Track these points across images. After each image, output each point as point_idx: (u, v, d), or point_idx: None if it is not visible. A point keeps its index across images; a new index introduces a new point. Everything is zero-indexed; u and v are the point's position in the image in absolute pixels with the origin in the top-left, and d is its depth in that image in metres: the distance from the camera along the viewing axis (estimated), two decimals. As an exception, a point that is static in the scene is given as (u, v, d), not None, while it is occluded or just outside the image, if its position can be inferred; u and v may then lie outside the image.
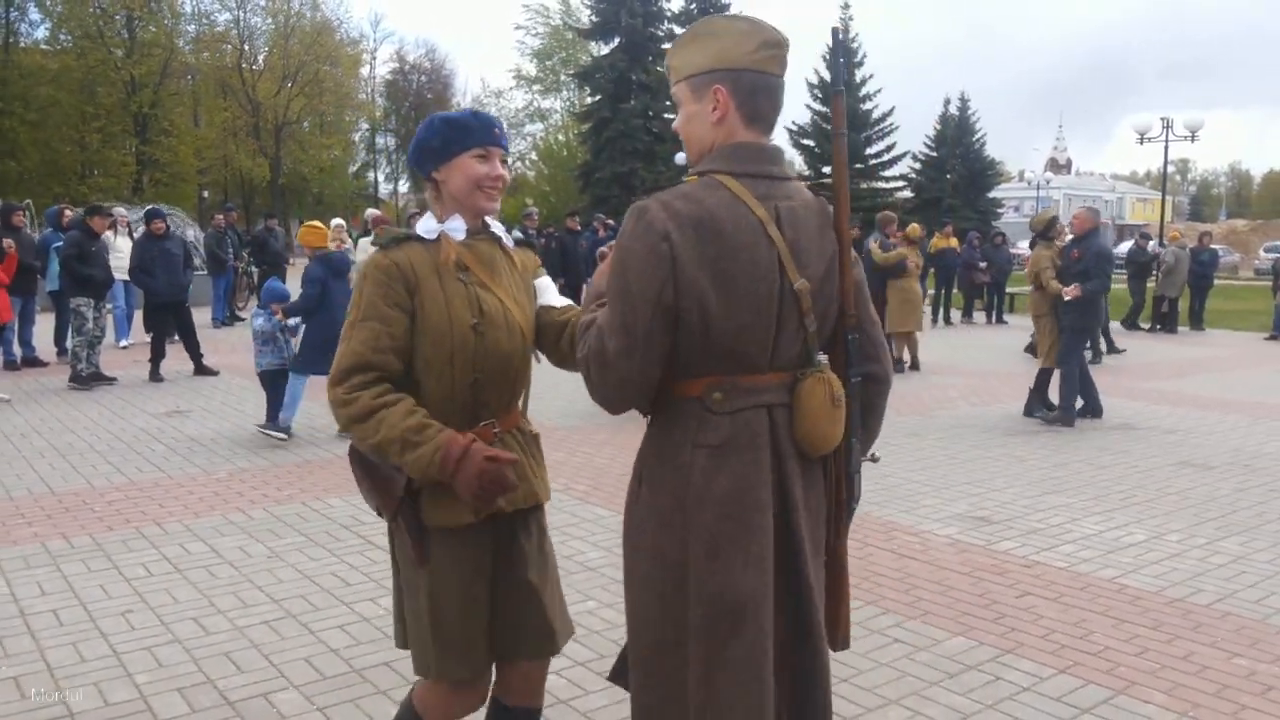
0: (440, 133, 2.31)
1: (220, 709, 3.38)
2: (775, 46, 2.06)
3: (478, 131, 2.30)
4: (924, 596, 4.47)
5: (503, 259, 2.40)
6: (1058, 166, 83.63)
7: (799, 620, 2.07)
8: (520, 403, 2.44)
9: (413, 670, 2.39)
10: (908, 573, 4.78)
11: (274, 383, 7.76)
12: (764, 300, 1.96)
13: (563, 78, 54.58)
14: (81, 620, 4.15)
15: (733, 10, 42.77)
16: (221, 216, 17.16)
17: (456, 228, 2.32)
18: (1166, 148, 24.17)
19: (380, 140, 57.68)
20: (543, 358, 2.49)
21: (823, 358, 2.08)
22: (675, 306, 1.92)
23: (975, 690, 3.55)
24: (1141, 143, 23.55)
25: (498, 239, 2.41)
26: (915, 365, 11.99)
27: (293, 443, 7.56)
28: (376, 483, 2.28)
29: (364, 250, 12.34)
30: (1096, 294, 8.58)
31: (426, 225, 2.32)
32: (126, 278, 12.03)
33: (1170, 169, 30.01)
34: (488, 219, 2.39)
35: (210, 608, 4.29)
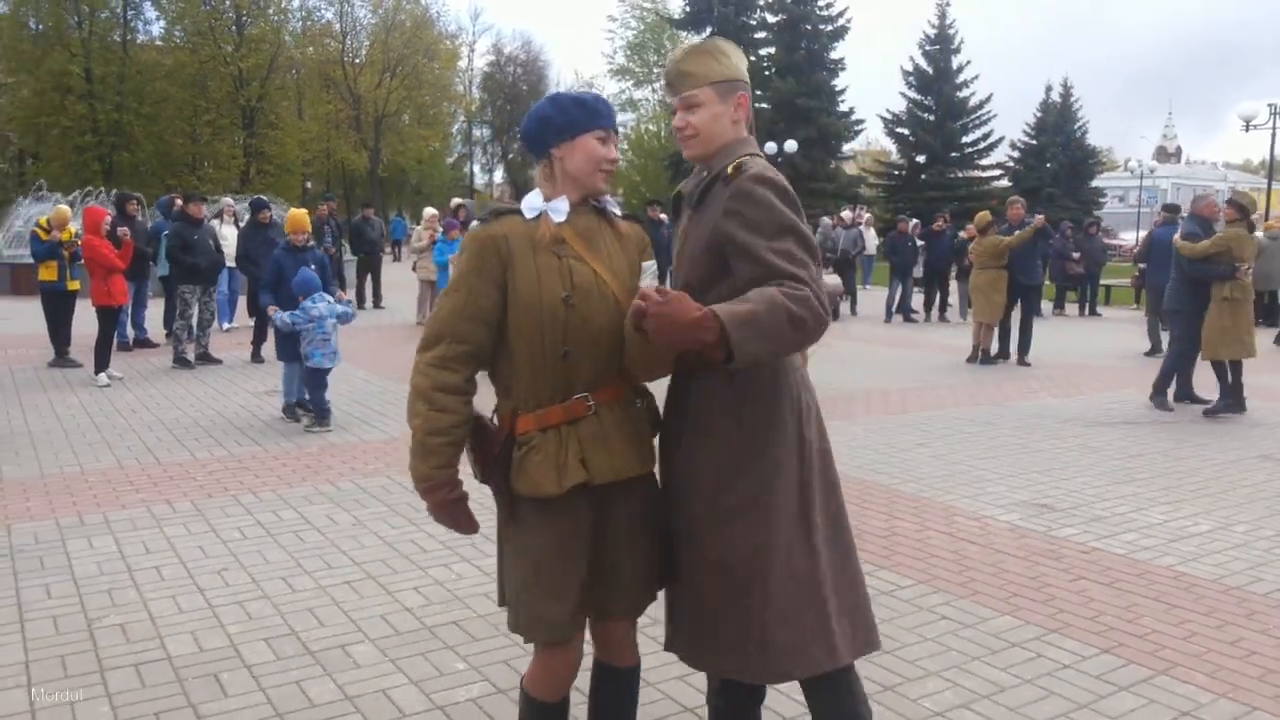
0: (567, 111, 2.37)
1: (302, 657, 3.68)
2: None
3: (603, 115, 2.39)
4: (976, 577, 4.56)
5: (605, 232, 2.44)
6: (1166, 155, 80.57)
7: None
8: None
9: (507, 627, 2.48)
10: (962, 555, 4.87)
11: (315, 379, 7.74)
12: None
13: (655, 69, 54.77)
14: (181, 576, 4.51)
15: (825, 2, 42.47)
16: (324, 206, 17.82)
17: (559, 209, 2.37)
18: (1274, 134, 23.28)
19: (476, 132, 58.76)
20: None
21: None
22: None
23: (1015, 665, 3.65)
24: (1247, 130, 22.76)
25: (602, 211, 2.46)
26: (991, 355, 11.85)
27: (380, 420, 7.93)
28: (478, 440, 2.41)
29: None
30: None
31: (531, 203, 2.39)
32: (231, 264, 12.65)
33: (1283, 156, 28.81)
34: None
35: (298, 568, 4.62)
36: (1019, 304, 11.76)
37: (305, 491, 5.90)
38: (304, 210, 8.39)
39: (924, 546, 4.98)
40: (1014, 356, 11.83)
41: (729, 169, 2.34)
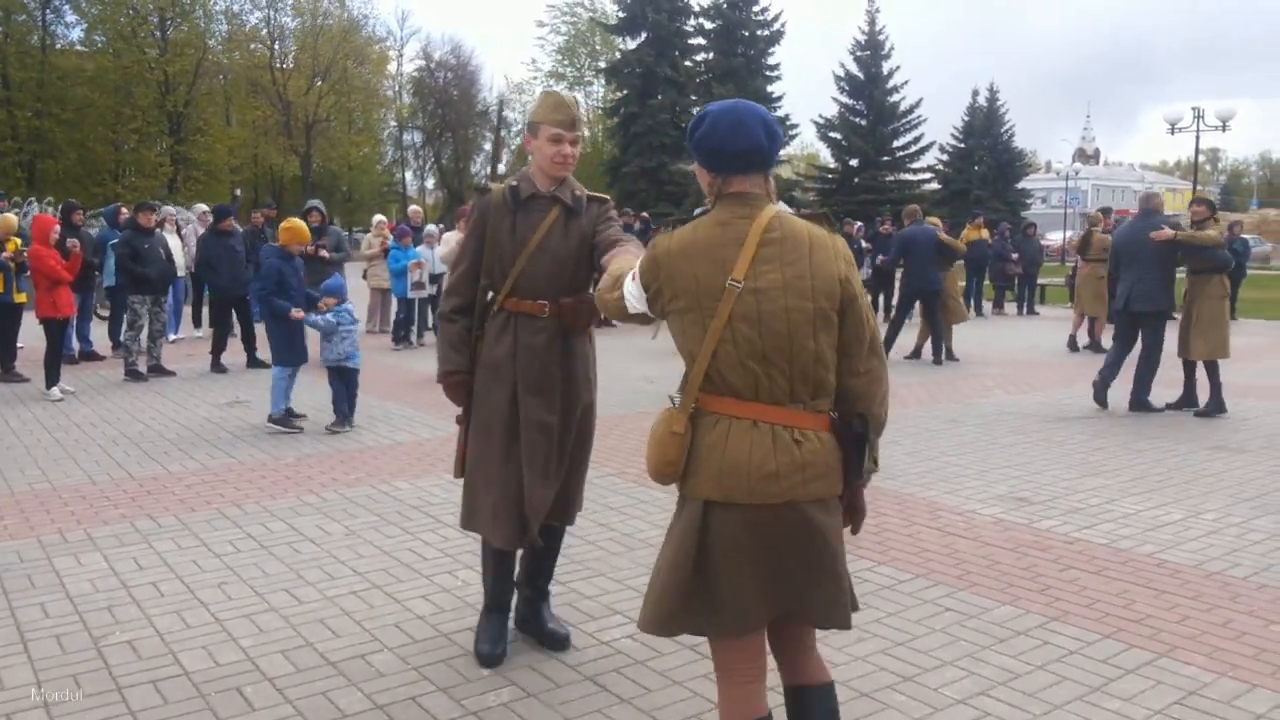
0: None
1: (323, 668, 3.66)
2: None
3: None
4: (971, 570, 4.70)
5: None
6: (1085, 157, 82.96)
7: None
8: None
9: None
10: (954, 549, 5.00)
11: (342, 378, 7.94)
12: None
13: (587, 74, 54.86)
14: (180, 591, 4.44)
15: (760, 8, 42.84)
16: (260, 215, 17.51)
17: None
18: (1198, 137, 24.16)
19: (407, 137, 58.10)
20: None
21: None
22: None
23: (1025, 653, 3.78)
24: (1173, 132, 23.57)
25: None
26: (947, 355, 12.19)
27: (354, 430, 7.85)
28: None
29: (446, 243, 12.59)
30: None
31: None
32: (180, 274, 12.40)
33: (1200, 158, 29.95)
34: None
35: (299, 580, 4.57)
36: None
37: (290, 503, 5.83)
38: (301, 221, 8.36)
39: (915, 541, 5.11)
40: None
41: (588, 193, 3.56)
